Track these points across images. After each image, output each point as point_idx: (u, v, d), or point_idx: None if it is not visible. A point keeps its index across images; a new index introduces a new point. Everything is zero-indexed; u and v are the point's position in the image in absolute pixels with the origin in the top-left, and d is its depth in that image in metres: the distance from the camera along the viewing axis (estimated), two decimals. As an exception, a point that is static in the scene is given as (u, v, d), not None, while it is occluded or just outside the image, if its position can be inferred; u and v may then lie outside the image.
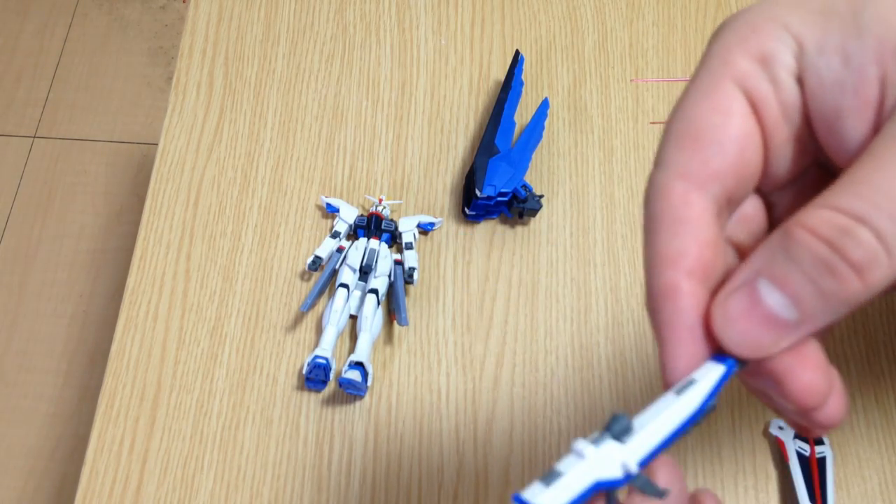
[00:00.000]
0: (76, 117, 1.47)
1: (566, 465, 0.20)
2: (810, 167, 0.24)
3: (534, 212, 0.52)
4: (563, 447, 0.48)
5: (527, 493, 0.20)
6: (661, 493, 0.21)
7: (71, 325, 1.30)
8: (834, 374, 0.22)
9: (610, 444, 0.21)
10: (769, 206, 0.25)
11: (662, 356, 0.22)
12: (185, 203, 0.55)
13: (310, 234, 0.54)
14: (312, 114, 0.58)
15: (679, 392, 0.21)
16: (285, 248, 0.53)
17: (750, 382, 0.23)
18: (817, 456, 0.46)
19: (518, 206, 0.52)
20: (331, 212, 0.54)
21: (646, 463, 0.21)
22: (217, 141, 0.57)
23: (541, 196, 0.53)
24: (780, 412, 0.23)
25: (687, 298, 0.22)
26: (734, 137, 0.22)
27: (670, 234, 0.22)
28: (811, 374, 0.21)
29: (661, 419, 0.21)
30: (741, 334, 0.21)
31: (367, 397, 0.49)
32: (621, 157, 0.56)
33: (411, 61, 0.60)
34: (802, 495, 0.44)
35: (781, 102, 0.22)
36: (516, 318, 0.51)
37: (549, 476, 0.20)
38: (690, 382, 0.21)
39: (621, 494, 0.21)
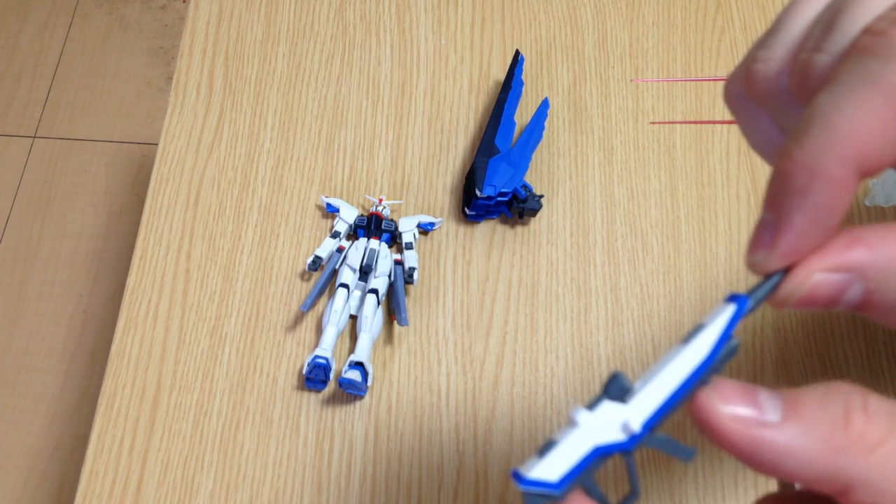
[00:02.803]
0: (76, 117, 1.47)
1: (562, 433, 0.19)
2: None
3: (534, 212, 0.52)
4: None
5: (523, 468, 0.19)
6: (688, 454, 0.19)
7: (71, 325, 1.30)
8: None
9: (608, 406, 0.19)
10: None
11: (778, 239, 0.19)
12: (185, 203, 0.55)
13: (310, 234, 0.54)
14: (312, 114, 0.58)
15: (687, 340, 0.19)
16: (285, 248, 0.53)
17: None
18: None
19: (518, 206, 0.52)
20: (331, 212, 0.54)
21: (653, 422, 0.19)
22: (217, 141, 0.57)
23: (541, 196, 0.53)
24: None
25: (845, 196, 0.18)
26: None
27: (881, 124, 0.18)
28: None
29: (667, 371, 0.19)
30: (799, 304, 0.19)
31: (367, 397, 0.49)
32: (621, 157, 0.56)
33: (411, 61, 0.60)
34: (802, 495, 0.44)
35: None
36: (516, 318, 0.51)
37: (545, 447, 0.19)
38: (699, 327, 0.19)
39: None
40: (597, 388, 0.50)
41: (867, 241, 0.19)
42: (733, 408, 0.18)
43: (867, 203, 0.54)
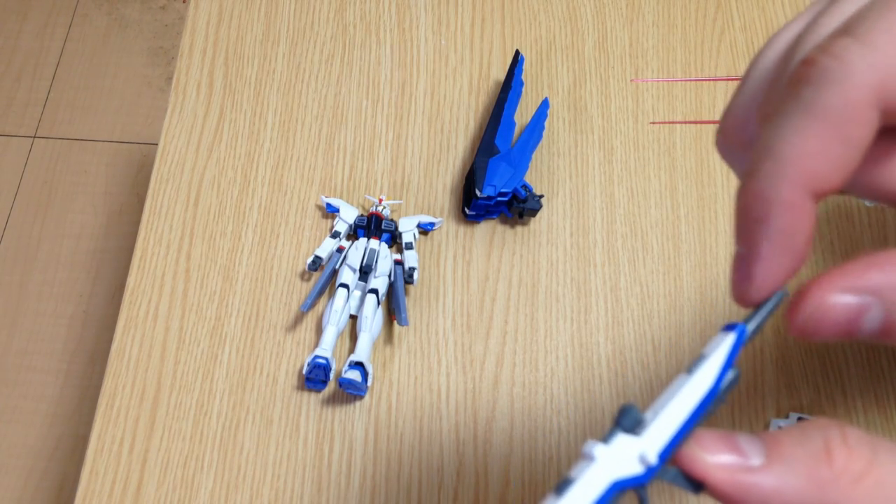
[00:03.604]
0: (76, 117, 1.47)
1: (578, 470, 0.18)
2: None
3: (534, 212, 0.52)
4: (563, 446, 0.48)
5: None
6: (697, 487, 0.19)
7: (71, 325, 1.30)
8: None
9: (622, 439, 0.19)
10: None
11: (753, 271, 0.20)
12: (185, 203, 0.55)
13: (310, 234, 0.54)
14: (312, 114, 0.58)
15: (691, 371, 0.19)
16: (285, 248, 0.53)
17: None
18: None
19: (518, 206, 0.52)
20: (331, 212, 0.54)
21: (668, 453, 0.19)
22: (217, 141, 0.57)
23: (541, 196, 0.53)
24: None
25: (804, 219, 0.19)
26: None
27: (821, 147, 0.18)
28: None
29: (676, 401, 0.19)
30: (815, 331, 0.19)
31: (367, 397, 0.49)
32: (621, 157, 0.56)
33: (411, 61, 0.60)
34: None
35: None
36: (516, 318, 0.51)
37: (561, 485, 0.18)
38: (701, 357, 0.20)
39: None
40: (597, 387, 0.50)
41: (882, 265, 0.19)
42: (717, 457, 0.18)
43: (867, 203, 0.54)
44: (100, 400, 0.49)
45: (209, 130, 0.57)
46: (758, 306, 0.20)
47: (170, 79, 1.47)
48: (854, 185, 0.21)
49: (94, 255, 1.36)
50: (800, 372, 0.50)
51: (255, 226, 0.54)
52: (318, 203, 0.55)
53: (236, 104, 0.58)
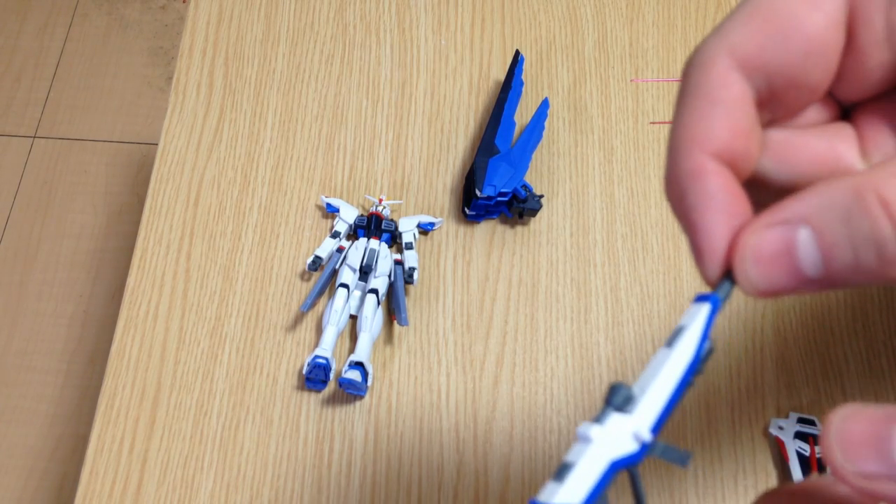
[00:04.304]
0: (76, 117, 1.47)
1: (575, 453, 0.18)
2: None
3: (534, 212, 0.52)
4: (563, 446, 0.48)
5: (542, 496, 0.18)
6: (684, 459, 0.19)
7: (71, 325, 1.30)
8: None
9: (615, 418, 0.19)
10: (856, 118, 0.22)
11: (697, 243, 0.20)
12: (185, 203, 0.55)
13: (310, 234, 0.54)
14: (312, 114, 0.58)
15: (671, 343, 0.20)
16: (285, 248, 0.53)
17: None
18: (817, 456, 0.46)
19: (518, 206, 0.52)
20: (331, 212, 0.54)
21: (658, 427, 0.19)
22: (217, 141, 0.57)
23: (541, 196, 0.53)
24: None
25: (716, 178, 0.20)
26: (814, 29, 0.20)
27: (701, 114, 0.20)
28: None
29: (661, 376, 0.19)
30: (760, 276, 0.19)
31: (367, 397, 0.49)
32: (621, 157, 0.56)
33: (411, 61, 0.60)
34: (802, 495, 0.44)
35: None
36: (516, 318, 0.51)
37: (561, 471, 0.18)
38: (679, 330, 0.20)
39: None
40: (597, 387, 0.50)
41: (801, 196, 0.19)
42: (861, 464, 0.16)
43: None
44: (100, 400, 0.49)
45: (209, 130, 0.57)
46: (725, 276, 0.20)
47: (170, 79, 1.47)
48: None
49: (94, 255, 1.36)
50: (800, 372, 0.50)
51: (255, 226, 0.54)
52: (318, 203, 0.55)
53: (236, 104, 0.58)
